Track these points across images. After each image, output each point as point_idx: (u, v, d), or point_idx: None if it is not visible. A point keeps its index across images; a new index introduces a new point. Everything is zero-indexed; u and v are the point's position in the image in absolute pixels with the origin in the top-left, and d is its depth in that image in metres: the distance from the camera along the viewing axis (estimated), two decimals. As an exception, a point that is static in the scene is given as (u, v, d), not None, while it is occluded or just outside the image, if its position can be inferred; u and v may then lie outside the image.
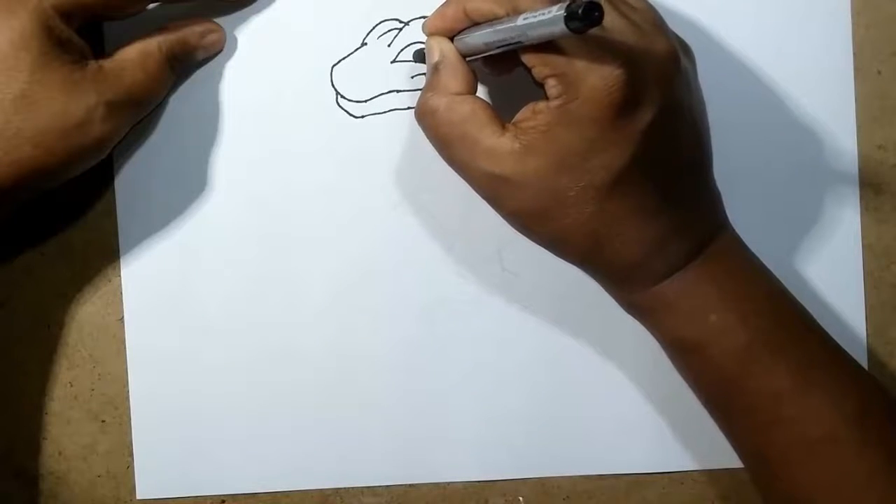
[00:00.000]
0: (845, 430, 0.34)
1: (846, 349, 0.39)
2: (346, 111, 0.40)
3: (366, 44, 0.40)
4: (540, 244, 0.36)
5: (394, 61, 0.40)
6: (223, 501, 0.41)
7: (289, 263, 0.41)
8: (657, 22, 0.34)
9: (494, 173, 0.34)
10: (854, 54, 0.41)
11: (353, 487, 0.41)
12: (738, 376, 0.35)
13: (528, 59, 0.33)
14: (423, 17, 0.40)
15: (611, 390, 0.41)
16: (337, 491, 0.41)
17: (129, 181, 0.40)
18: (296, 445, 0.41)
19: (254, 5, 0.40)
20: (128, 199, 0.40)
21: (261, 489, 0.41)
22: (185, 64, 0.39)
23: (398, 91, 0.40)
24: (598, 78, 0.32)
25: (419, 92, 0.38)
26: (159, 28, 0.38)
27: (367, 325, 0.41)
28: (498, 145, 0.33)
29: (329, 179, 0.41)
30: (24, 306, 0.41)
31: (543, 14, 0.30)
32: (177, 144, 0.40)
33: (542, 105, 0.33)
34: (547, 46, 0.32)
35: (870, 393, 0.36)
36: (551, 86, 0.32)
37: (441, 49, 0.36)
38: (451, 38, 0.36)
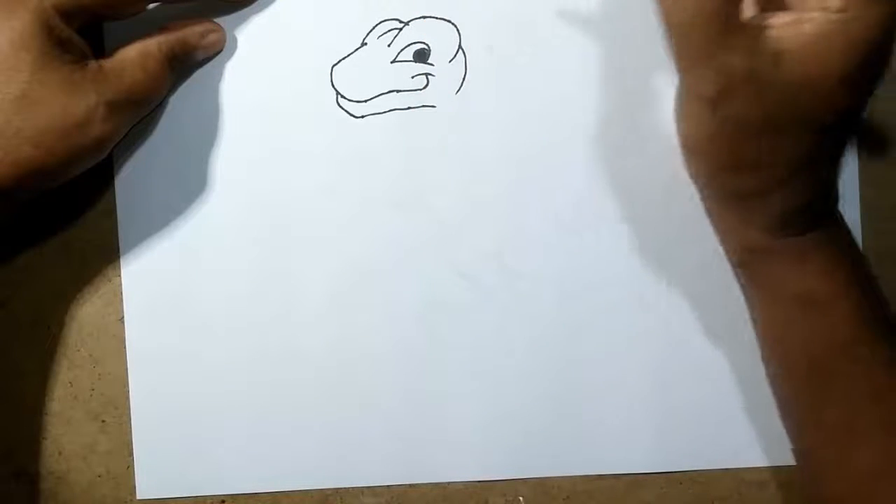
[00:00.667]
0: None
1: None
2: (346, 111, 0.40)
3: (366, 44, 0.40)
4: (718, 165, 0.35)
5: (394, 61, 0.40)
6: (223, 501, 0.41)
7: (289, 263, 0.41)
8: None
9: (745, 67, 0.32)
10: (854, 54, 0.41)
11: (353, 487, 0.41)
12: (852, 341, 0.35)
13: None
14: (423, 17, 0.40)
15: (611, 390, 0.41)
16: (337, 491, 0.41)
17: (129, 181, 0.40)
18: (296, 445, 0.41)
19: (254, 5, 0.40)
20: (128, 199, 0.40)
21: (261, 489, 0.41)
22: (185, 64, 0.39)
23: (398, 91, 0.40)
24: (884, 9, 0.31)
25: (419, 92, 0.38)
26: (159, 28, 0.38)
27: (368, 325, 0.41)
28: (759, 42, 0.32)
29: (329, 179, 0.41)
30: (24, 306, 0.41)
31: None
32: (177, 144, 0.40)
33: (815, 14, 0.32)
34: None
35: None
36: None
37: None
38: None
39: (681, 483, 0.42)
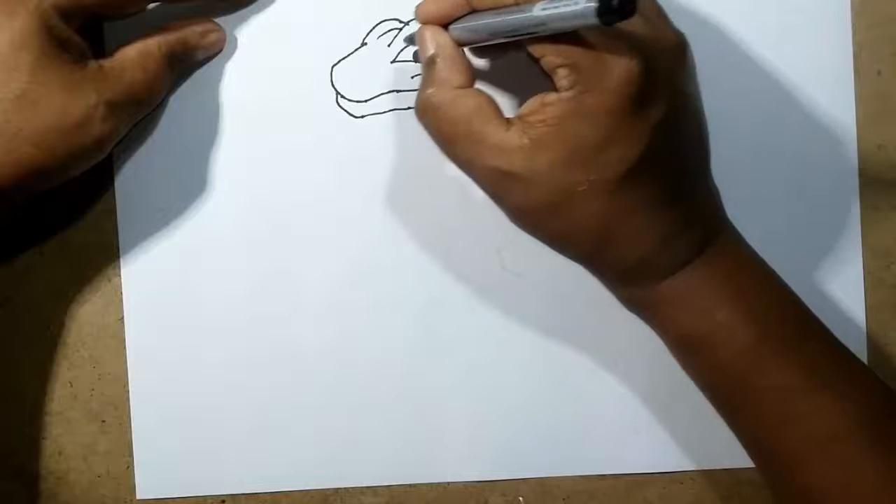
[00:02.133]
0: (855, 429, 0.34)
1: (846, 349, 0.39)
2: (346, 111, 0.40)
3: (366, 44, 0.40)
4: (545, 242, 0.35)
5: (394, 61, 0.40)
6: (223, 501, 0.41)
7: (289, 263, 0.41)
8: (661, 12, 0.33)
9: (502, 169, 0.33)
10: (854, 54, 0.41)
11: (353, 487, 0.41)
12: (746, 374, 0.35)
13: (537, 49, 0.32)
14: (423, 17, 0.40)
15: (611, 390, 0.41)
16: (337, 491, 0.41)
17: (129, 181, 0.40)
18: (296, 445, 0.41)
19: (254, 5, 0.40)
20: (128, 199, 0.40)
21: (261, 489, 0.41)
22: (185, 64, 0.39)
23: (398, 91, 0.40)
24: (617, 69, 0.31)
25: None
26: (159, 28, 0.38)
27: (368, 325, 0.41)
28: (505, 140, 0.32)
29: (329, 179, 0.41)
30: (24, 306, 0.41)
31: (569, 5, 0.28)
32: (177, 144, 0.40)
33: (552, 97, 0.32)
34: (559, 37, 0.31)
35: (877, 392, 0.36)
36: (563, 76, 0.31)
37: (437, 41, 0.34)
38: (446, 27, 0.35)
39: (681, 483, 0.42)
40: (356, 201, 0.41)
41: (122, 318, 0.41)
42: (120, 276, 0.41)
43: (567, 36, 0.31)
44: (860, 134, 0.41)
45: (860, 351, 0.41)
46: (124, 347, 0.41)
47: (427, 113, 0.34)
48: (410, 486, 0.41)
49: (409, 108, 0.40)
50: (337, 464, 0.41)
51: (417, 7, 0.35)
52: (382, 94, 0.40)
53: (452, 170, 0.34)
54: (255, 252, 0.41)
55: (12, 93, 0.33)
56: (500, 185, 0.33)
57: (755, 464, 0.37)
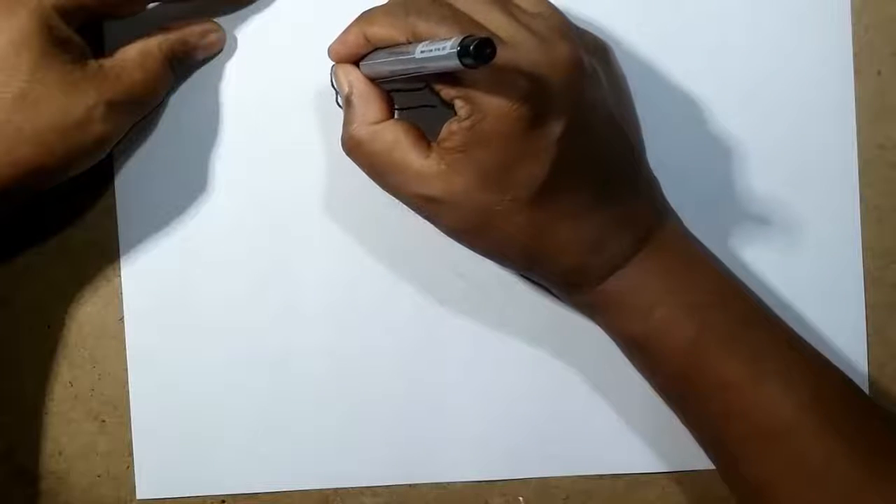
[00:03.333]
0: (800, 418, 0.34)
1: (846, 349, 0.39)
2: (346, 111, 0.40)
3: (365, 44, 0.40)
4: (485, 257, 0.37)
5: (394, 61, 0.40)
6: (223, 501, 0.41)
7: (289, 263, 0.41)
8: (560, 26, 0.34)
9: (426, 195, 0.34)
10: (854, 55, 0.41)
11: (353, 487, 0.41)
12: (688, 370, 0.35)
13: (434, 82, 0.34)
14: (423, 17, 0.40)
15: (611, 390, 0.41)
16: (337, 491, 0.41)
17: (129, 181, 0.40)
18: (296, 445, 0.41)
19: (254, 5, 0.40)
20: (128, 199, 0.40)
21: (261, 489, 0.41)
22: (185, 64, 0.39)
23: (398, 91, 0.40)
24: (502, 96, 0.32)
25: (419, 92, 0.38)
26: (159, 28, 0.38)
27: (367, 325, 0.41)
28: (425, 168, 0.34)
29: (329, 179, 0.41)
30: (24, 306, 0.41)
31: (438, 49, 0.30)
32: (177, 144, 0.40)
33: (455, 125, 0.33)
34: (447, 75, 0.32)
35: (824, 378, 0.36)
36: (459, 107, 0.33)
37: (349, 80, 0.36)
38: (358, 63, 0.36)
39: (681, 483, 0.42)
40: (356, 201, 0.41)
41: (122, 318, 0.41)
42: (120, 276, 0.41)
43: (453, 74, 0.32)
44: (860, 134, 0.41)
45: (860, 351, 0.41)
46: (124, 347, 0.41)
47: (351, 150, 0.36)
48: (410, 486, 0.41)
49: (408, 108, 0.40)
50: (337, 464, 0.41)
51: (329, 47, 0.37)
52: (382, 94, 0.40)
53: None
54: (254, 252, 0.41)
55: (12, 92, 0.33)
56: (427, 209, 0.35)
57: (708, 457, 0.38)
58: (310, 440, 0.41)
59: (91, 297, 0.41)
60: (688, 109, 0.41)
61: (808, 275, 0.42)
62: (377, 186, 0.39)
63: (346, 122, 0.36)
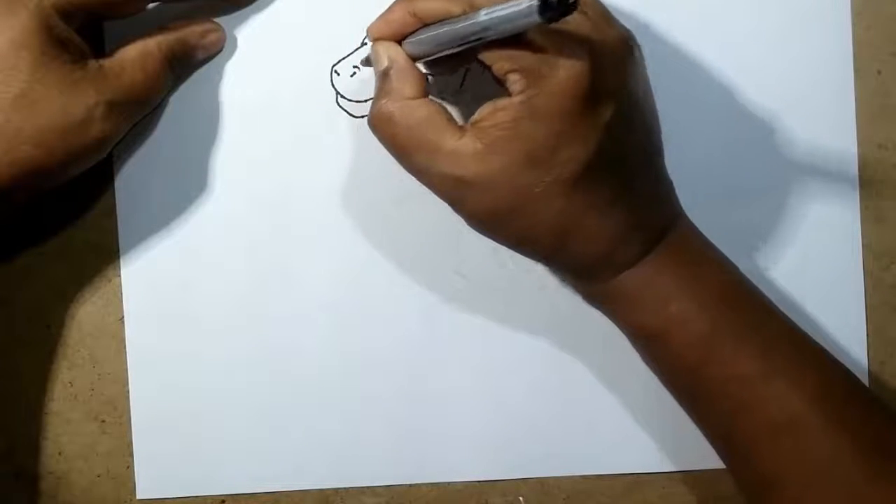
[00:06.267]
0: (808, 413, 0.34)
1: (846, 349, 0.39)
2: (346, 111, 0.40)
3: (366, 44, 0.40)
4: (505, 244, 0.36)
5: (394, 61, 0.40)
6: (223, 501, 0.41)
7: (289, 263, 0.41)
8: (605, 12, 0.34)
9: (457, 175, 0.33)
10: (854, 54, 0.41)
11: (353, 487, 0.41)
12: (700, 364, 0.35)
13: (487, 56, 0.33)
14: (423, 17, 0.40)
15: (611, 390, 0.41)
16: (337, 491, 0.41)
17: (129, 181, 0.40)
18: (296, 445, 0.41)
19: (254, 5, 0.40)
20: (128, 199, 0.40)
21: (261, 489, 0.41)
22: (185, 64, 0.39)
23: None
24: (565, 70, 0.31)
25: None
26: (159, 28, 0.38)
27: (368, 325, 0.41)
28: (460, 147, 0.33)
29: (329, 179, 0.41)
30: (24, 306, 0.41)
31: (512, 6, 0.29)
32: (177, 144, 0.40)
33: (504, 102, 0.33)
34: (507, 42, 0.32)
35: (831, 374, 0.36)
36: (514, 81, 0.32)
37: (389, 55, 0.35)
38: (399, 42, 0.35)
39: (681, 483, 0.42)
40: (356, 201, 0.41)
41: (122, 318, 0.41)
42: (120, 276, 0.41)
43: (515, 41, 0.32)
44: (860, 134, 0.41)
45: (860, 352, 0.41)
46: (124, 347, 0.41)
47: (381, 123, 0.35)
48: (410, 486, 0.41)
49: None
50: (337, 464, 0.41)
51: (369, 27, 0.36)
52: (382, 94, 0.40)
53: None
54: (254, 252, 0.41)
55: (12, 92, 0.33)
56: (455, 192, 0.34)
57: (716, 451, 0.38)
58: (310, 440, 0.41)
59: (91, 297, 0.41)
60: (687, 110, 0.41)
61: (808, 275, 0.42)
62: (377, 186, 0.39)
63: (379, 96, 0.35)
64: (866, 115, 0.41)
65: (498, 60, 0.32)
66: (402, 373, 0.41)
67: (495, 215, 0.34)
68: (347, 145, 0.40)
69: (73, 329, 0.41)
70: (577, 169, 0.33)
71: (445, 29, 0.33)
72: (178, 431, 0.41)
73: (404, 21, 0.35)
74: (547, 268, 0.37)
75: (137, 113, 0.37)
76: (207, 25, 0.39)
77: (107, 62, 0.36)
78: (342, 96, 0.40)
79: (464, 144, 0.33)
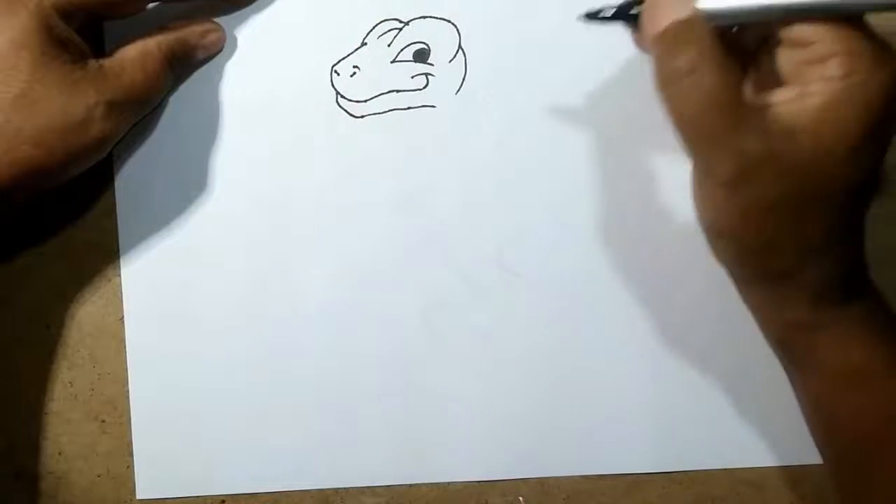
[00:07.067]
0: None
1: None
2: (346, 111, 0.40)
3: (366, 44, 0.40)
4: (745, 233, 0.33)
5: (394, 61, 0.40)
6: (223, 501, 0.41)
7: (289, 263, 0.41)
8: None
9: (767, 149, 0.31)
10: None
11: (353, 487, 0.41)
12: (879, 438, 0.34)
13: (812, 32, 0.31)
14: (423, 17, 0.40)
15: (611, 390, 0.41)
16: (337, 491, 0.41)
17: (129, 181, 0.40)
18: (296, 445, 0.41)
19: (254, 5, 0.40)
20: (128, 199, 0.40)
21: (261, 489, 0.41)
22: (185, 64, 0.39)
23: (398, 91, 0.40)
24: (891, 64, 0.31)
25: (419, 92, 0.38)
26: (159, 28, 0.38)
27: (368, 325, 0.41)
28: (770, 121, 0.31)
29: (329, 179, 0.41)
30: (24, 306, 0.41)
31: None
32: (177, 144, 0.40)
33: (818, 86, 0.31)
34: (835, 25, 0.31)
35: None
36: (836, 64, 0.31)
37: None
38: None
39: (681, 483, 0.42)
40: (356, 201, 0.41)
41: (122, 318, 0.41)
42: (120, 276, 0.41)
43: (843, 26, 0.31)
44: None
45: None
46: (124, 347, 0.41)
47: (681, 79, 0.32)
48: (410, 486, 0.41)
49: (408, 108, 0.40)
50: (337, 464, 0.41)
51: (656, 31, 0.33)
52: (382, 94, 0.40)
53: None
54: (255, 252, 0.41)
55: (12, 92, 0.33)
56: (749, 168, 0.32)
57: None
58: (310, 440, 0.41)
59: (91, 297, 0.41)
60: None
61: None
62: (377, 186, 0.39)
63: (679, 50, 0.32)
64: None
65: (825, 40, 0.31)
66: (401, 373, 0.41)
67: (785, 203, 0.32)
68: (347, 145, 0.40)
69: (73, 329, 0.41)
70: (874, 169, 0.32)
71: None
72: (177, 431, 0.41)
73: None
74: (769, 288, 0.35)
75: (137, 113, 0.37)
76: (207, 25, 0.39)
77: (107, 62, 0.36)
78: (342, 96, 0.40)
79: (774, 120, 0.31)
